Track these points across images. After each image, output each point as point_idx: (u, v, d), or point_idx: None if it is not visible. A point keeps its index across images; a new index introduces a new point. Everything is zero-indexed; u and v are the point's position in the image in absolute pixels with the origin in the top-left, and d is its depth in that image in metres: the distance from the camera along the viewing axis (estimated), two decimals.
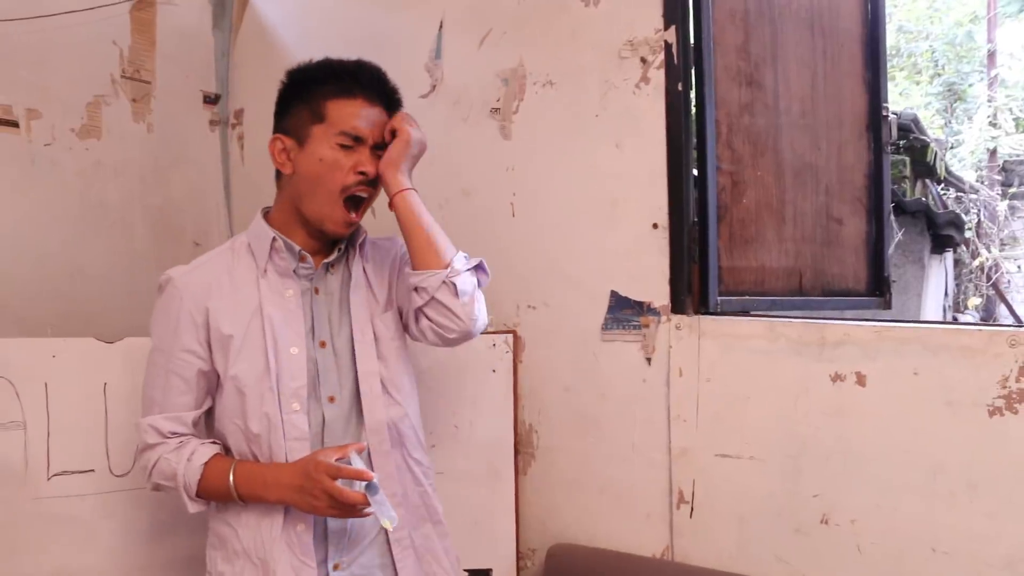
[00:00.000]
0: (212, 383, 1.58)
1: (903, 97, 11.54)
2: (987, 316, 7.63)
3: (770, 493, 1.80)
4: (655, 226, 1.92)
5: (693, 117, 1.94)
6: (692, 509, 1.89)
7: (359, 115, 1.56)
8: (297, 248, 1.58)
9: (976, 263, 7.34)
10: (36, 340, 1.89)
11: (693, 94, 1.92)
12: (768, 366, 1.79)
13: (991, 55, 9.84)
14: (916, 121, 5.21)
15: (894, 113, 4.93)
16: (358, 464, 1.45)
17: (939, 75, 12.02)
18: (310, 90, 1.57)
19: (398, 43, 2.36)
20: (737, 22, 2.04)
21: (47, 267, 2.31)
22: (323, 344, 1.58)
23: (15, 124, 2.25)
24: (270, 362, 1.52)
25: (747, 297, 2.01)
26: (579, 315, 2.03)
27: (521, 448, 2.11)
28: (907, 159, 5.05)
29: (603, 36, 1.99)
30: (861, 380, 1.70)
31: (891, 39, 12.21)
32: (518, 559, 2.09)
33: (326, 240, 1.62)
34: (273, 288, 1.57)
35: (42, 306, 2.27)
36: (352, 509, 1.44)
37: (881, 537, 1.69)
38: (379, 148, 1.58)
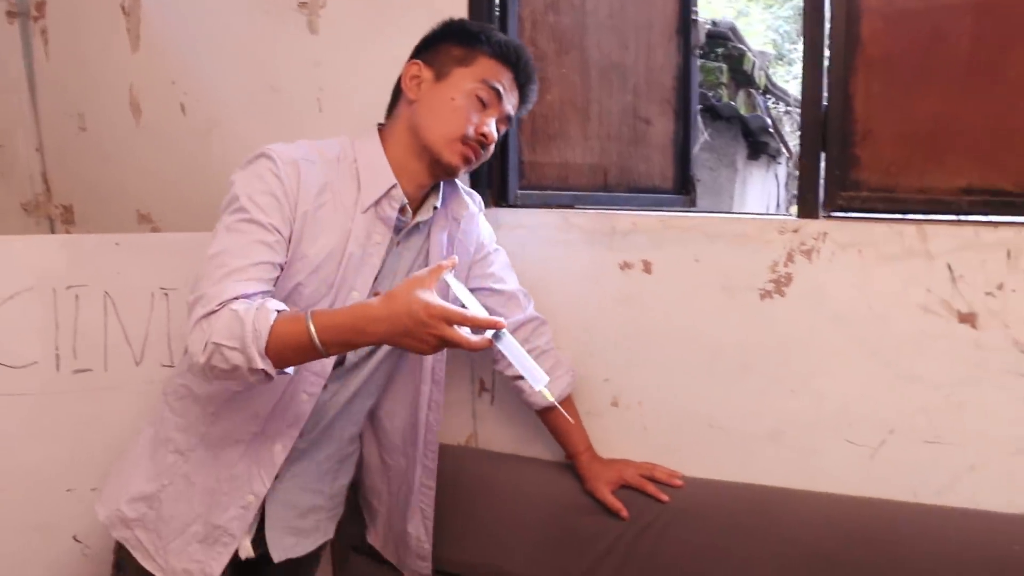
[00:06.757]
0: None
1: (749, 21, 11.92)
2: None
3: None
4: None
5: (497, 14, 1.93)
6: (493, 397, 1.95)
7: (506, 80, 1.52)
8: (404, 201, 1.50)
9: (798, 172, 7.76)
10: None
11: None
12: (563, 256, 1.85)
13: None
14: (734, 30, 5.39)
15: (712, 22, 5.09)
16: (455, 285, 1.34)
17: None
18: (471, 41, 1.51)
19: None
20: None
21: None
22: (376, 295, 1.42)
23: None
24: (329, 297, 1.47)
25: (549, 192, 2.05)
26: None
27: None
28: (724, 66, 5.22)
29: None
30: (647, 268, 1.77)
31: None
32: None
33: (433, 182, 1.56)
34: (364, 227, 1.48)
35: None
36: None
37: (664, 417, 1.79)
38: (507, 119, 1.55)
